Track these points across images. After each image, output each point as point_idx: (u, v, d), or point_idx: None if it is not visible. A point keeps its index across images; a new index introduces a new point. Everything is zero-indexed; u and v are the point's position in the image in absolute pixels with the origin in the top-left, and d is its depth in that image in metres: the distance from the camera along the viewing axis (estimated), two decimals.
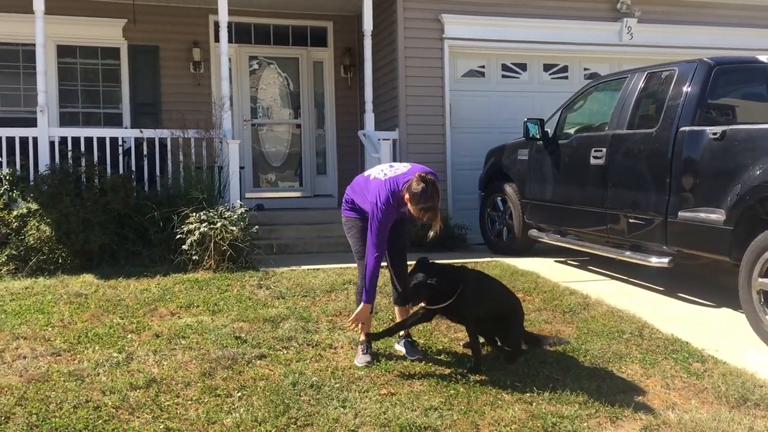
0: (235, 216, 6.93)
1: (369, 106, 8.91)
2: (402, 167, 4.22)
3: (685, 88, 5.68)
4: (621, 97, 6.44)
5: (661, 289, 6.17)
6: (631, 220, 6.01)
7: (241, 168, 8.50)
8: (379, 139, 8.57)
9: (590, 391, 3.77)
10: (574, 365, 4.20)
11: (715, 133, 5.23)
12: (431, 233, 4.10)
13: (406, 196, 3.95)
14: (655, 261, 5.79)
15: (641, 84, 6.25)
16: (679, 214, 5.46)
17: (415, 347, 4.38)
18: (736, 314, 5.27)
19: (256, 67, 10.74)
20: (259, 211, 8.44)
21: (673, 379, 4.03)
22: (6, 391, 3.67)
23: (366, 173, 4.42)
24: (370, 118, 8.87)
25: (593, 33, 9.82)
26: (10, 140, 7.54)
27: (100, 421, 3.36)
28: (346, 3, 9.74)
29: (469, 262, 7.18)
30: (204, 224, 6.66)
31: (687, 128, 5.50)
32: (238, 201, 7.44)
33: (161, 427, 3.32)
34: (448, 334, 4.78)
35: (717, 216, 5.11)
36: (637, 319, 5.11)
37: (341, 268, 6.57)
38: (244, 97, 10.51)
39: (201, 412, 3.47)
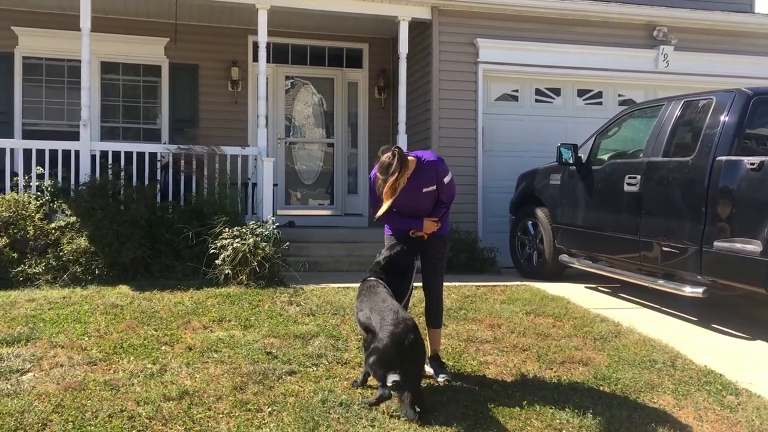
0: (267, 232, 7.03)
1: (402, 127, 9.00)
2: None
3: (723, 118, 5.65)
4: (657, 124, 6.42)
5: (694, 319, 6.08)
6: (664, 249, 5.96)
7: (275, 185, 8.62)
8: None
9: (621, 420, 3.74)
10: (604, 394, 4.17)
11: (752, 164, 5.18)
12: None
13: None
14: (689, 290, 5.72)
15: (678, 112, 6.22)
16: (715, 243, 5.40)
17: (444, 369, 4.39)
18: None
19: (290, 86, 10.92)
20: (290, 229, 8.54)
21: (706, 411, 3.97)
22: (44, 398, 3.77)
23: None
24: (402, 139, 8.95)
25: (629, 60, 9.81)
26: (53, 153, 7.75)
27: (134, 431, 3.43)
28: (382, 26, 9.88)
29: (498, 285, 7.18)
30: (236, 240, 6.77)
31: (724, 158, 5.46)
32: (271, 218, 7.54)
33: None
34: (477, 357, 4.77)
35: (753, 247, 5.05)
36: (669, 349, 5.04)
37: None
38: (279, 116, 10.68)
39: (232, 426, 3.52)
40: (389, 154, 3.99)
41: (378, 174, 4.04)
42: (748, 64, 10.03)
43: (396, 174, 3.96)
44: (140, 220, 7.14)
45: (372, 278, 4.20)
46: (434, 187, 4.23)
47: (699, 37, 10.03)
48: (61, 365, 4.33)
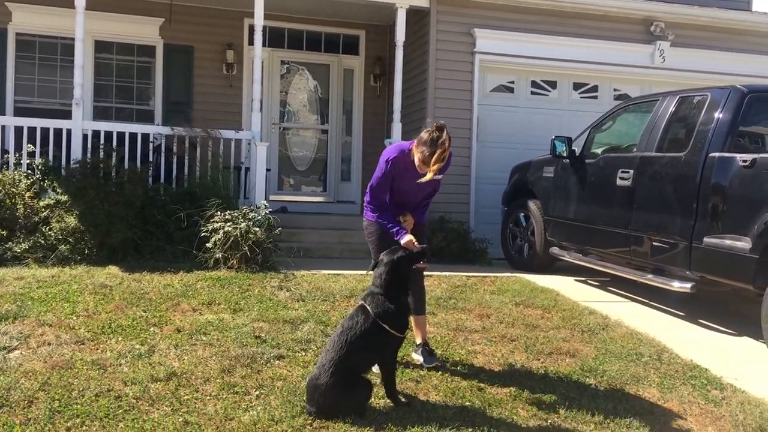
0: (259, 217, 7.01)
1: (397, 115, 8.97)
2: None
3: (717, 114, 5.66)
4: (651, 119, 6.43)
5: (682, 313, 6.12)
6: (654, 243, 5.99)
7: (268, 170, 8.59)
8: None
9: (606, 411, 3.76)
10: (591, 385, 4.19)
11: (745, 161, 5.20)
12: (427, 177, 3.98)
13: (416, 142, 3.99)
14: (677, 285, 5.76)
15: (672, 108, 6.23)
16: (704, 239, 5.43)
17: (433, 356, 4.39)
18: (757, 344, 5.23)
19: (286, 71, 10.86)
20: (283, 214, 8.52)
21: (690, 405, 4.01)
22: (30, 376, 3.76)
23: None
24: (397, 127, 8.92)
25: (625, 54, 9.80)
26: (45, 131, 7.70)
27: (120, 411, 3.43)
28: (379, 12, 9.83)
29: (489, 276, 7.20)
30: (228, 224, 6.75)
31: (717, 154, 5.48)
32: (263, 203, 7.52)
33: (180, 420, 3.37)
34: (466, 346, 4.79)
35: (743, 244, 5.08)
36: (656, 343, 5.08)
37: (361, 274, 6.60)
38: (273, 101, 10.63)
39: (219, 408, 3.52)
40: (431, 129, 3.93)
41: (422, 148, 3.91)
42: (744, 61, 10.04)
43: (446, 146, 3.89)
44: (136, 201, 7.11)
45: (364, 304, 3.72)
46: (441, 177, 4.21)
47: (696, 33, 10.03)
48: (49, 344, 4.32)
